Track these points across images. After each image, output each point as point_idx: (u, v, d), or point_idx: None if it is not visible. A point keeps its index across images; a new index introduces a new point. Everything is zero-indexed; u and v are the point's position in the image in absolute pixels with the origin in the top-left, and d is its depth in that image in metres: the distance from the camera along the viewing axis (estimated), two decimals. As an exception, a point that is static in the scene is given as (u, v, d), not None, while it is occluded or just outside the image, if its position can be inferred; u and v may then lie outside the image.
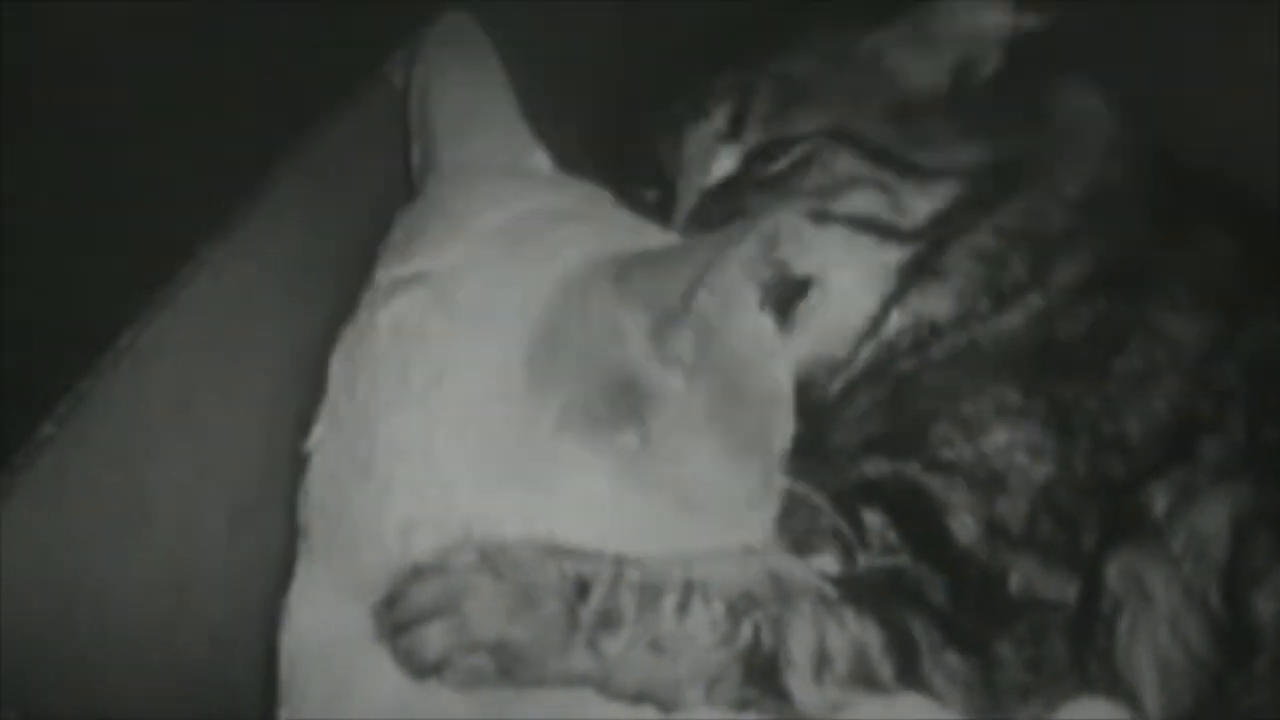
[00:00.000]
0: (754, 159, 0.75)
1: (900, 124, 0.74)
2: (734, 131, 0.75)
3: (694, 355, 0.61)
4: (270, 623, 0.64)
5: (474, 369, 0.62)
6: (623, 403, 0.61)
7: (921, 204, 0.73)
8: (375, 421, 0.62)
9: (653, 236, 0.69)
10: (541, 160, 0.73)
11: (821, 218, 0.73)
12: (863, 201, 0.73)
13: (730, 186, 0.75)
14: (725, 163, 0.75)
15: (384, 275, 0.67)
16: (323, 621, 0.63)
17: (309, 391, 0.67)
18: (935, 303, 0.72)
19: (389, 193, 0.75)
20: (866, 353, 0.73)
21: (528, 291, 0.62)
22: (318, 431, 0.65)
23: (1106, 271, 0.71)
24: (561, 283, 0.62)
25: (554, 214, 0.67)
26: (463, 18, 0.76)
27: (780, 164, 0.74)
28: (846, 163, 0.73)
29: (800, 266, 0.72)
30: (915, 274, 0.73)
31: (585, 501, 0.61)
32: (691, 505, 0.63)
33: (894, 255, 0.73)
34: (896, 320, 0.72)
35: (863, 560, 0.65)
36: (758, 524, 0.65)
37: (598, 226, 0.68)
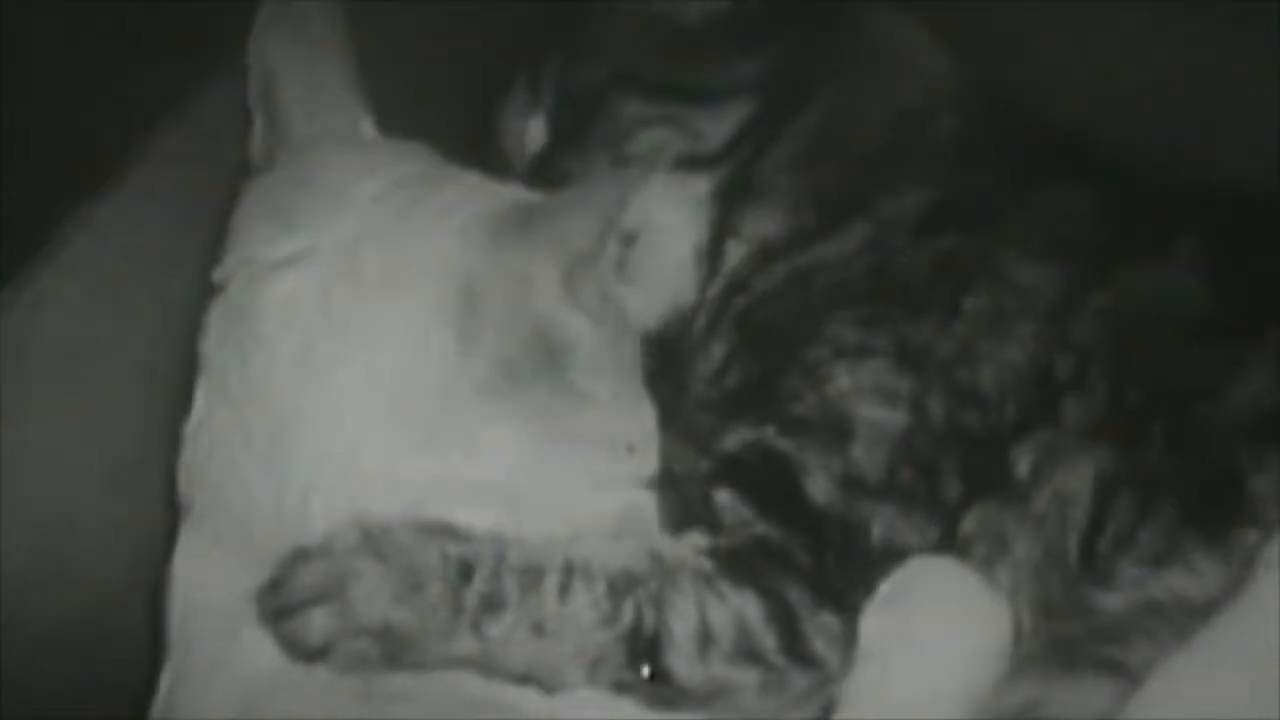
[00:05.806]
0: (555, 121, 0.76)
1: (678, 55, 0.74)
2: (533, 98, 0.76)
3: (598, 300, 0.63)
4: (152, 579, 0.64)
5: (389, 336, 0.62)
6: (540, 353, 0.62)
7: (717, 128, 0.73)
8: (275, 394, 0.62)
9: (518, 190, 0.69)
10: (368, 125, 0.71)
11: (619, 164, 0.73)
12: (653, 139, 0.73)
13: (547, 153, 0.76)
14: (536, 133, 0.76)
15: (254, 254, 0.65)
16: (210, 586, 0.63)
17: (186, 354, 0.67)
18: (765, 223, 0.73)
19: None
20: (713, 292, 0.73)
21: (433, 253, 0.63)
22: (197, 411, 0.65)
23: (950, 211, 0.71)
24: (465, 240, 0.62)
25: (426, 176, 0.67)
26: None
27: (569, 120, 0.75)
28: (631, 107, 0.74)
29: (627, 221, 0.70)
30: (733, 195, 0.73)
31: (499, 454, 0.62)
32: (599, 444, 0.64)
33: (706, 185, 0.73)
34: (732, 250, 0.73)
35: (723, 538, 0.65)
36: (652, 460, 0.67)
37: (473, 182, 0.68)
